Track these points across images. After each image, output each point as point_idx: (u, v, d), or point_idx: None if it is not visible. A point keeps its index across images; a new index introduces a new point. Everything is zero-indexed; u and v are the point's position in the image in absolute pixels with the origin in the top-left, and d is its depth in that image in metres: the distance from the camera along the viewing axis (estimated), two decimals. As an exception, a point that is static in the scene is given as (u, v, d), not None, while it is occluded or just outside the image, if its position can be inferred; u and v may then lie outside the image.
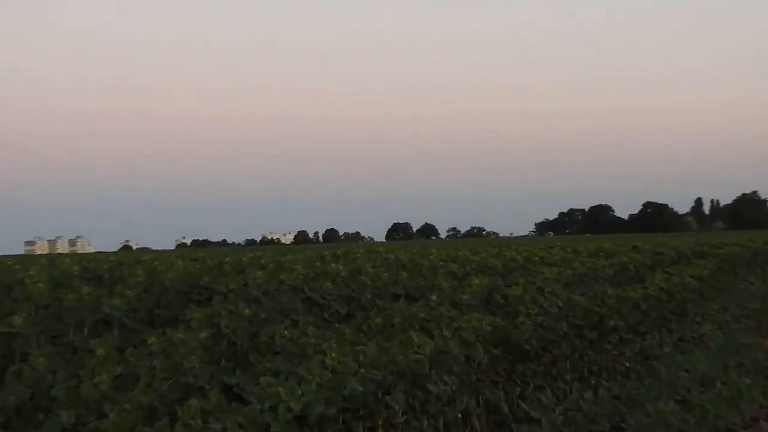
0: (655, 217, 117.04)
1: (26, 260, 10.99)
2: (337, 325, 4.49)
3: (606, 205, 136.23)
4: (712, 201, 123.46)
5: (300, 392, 3.00)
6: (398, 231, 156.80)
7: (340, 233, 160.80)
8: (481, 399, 4.58)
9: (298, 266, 6.09)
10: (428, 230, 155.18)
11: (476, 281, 6.01)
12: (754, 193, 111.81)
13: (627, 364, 6.40)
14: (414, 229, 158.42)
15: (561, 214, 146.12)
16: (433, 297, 5.24)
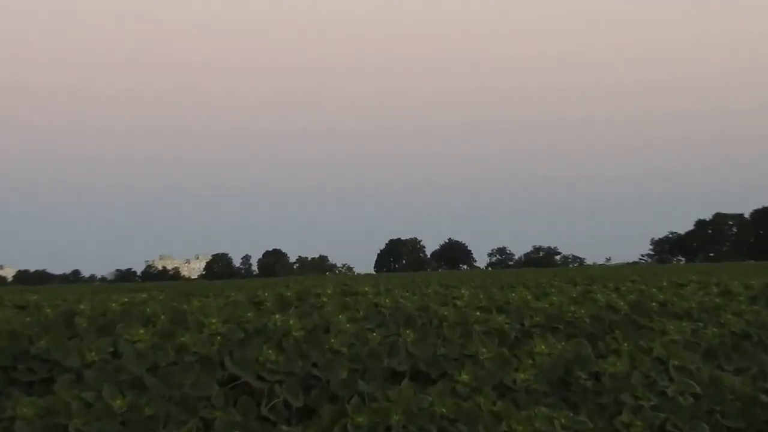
0: None
1: None
2: (284, 429, 4.49)
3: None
4: None
5: None
6: (398, 255, 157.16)
7: (291, 259, 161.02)
8: None
9: (214, 320, 6.09)
10: (454, 253, 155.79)
11: (543, 347, 6.04)
12: None
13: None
14: (428, 252, 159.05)
15: (699, 224, 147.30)
16: (464, 376, 5.27)
